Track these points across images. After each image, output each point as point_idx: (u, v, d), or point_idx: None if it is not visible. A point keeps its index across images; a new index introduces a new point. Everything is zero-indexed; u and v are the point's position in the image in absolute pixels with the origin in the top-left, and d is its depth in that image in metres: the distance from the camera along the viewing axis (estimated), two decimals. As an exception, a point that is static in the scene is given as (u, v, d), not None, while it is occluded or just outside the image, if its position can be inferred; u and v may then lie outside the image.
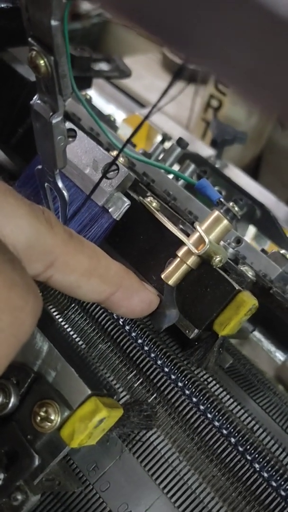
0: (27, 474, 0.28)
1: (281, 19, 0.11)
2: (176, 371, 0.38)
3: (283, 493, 0.34)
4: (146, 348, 0.39)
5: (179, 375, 0.38)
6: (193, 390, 0.37)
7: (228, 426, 0.36)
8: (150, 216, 0.39)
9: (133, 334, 0.39)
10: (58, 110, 0.30)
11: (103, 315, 0.41)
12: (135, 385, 0.38)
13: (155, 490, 0.35)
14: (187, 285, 0.36)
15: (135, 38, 1.82)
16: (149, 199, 0.39)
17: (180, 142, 0.51)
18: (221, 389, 0.39)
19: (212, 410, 0.37)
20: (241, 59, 0.14)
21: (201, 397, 0.37)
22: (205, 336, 0.36)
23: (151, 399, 0.38)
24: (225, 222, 0.35)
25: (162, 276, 0.36)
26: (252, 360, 0.48)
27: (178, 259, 0.36)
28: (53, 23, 0.25)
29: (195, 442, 0.36)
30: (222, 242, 0.37)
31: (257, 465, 0.35)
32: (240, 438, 0.36)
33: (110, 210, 0.38)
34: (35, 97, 0.31)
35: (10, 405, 0.29)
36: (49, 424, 0.28)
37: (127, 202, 0.38)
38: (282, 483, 0.34)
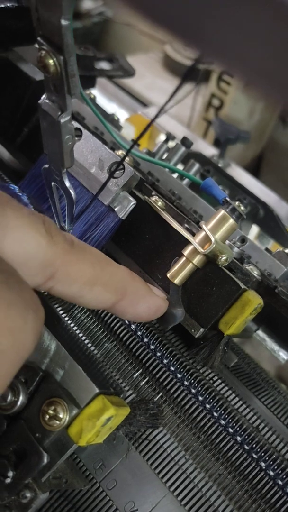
0: (36, 472, 0.28)
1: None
2: (182, 369, 0.38)
3: (289, 491, 0.34)
4: (152, 347, 0.39)
5: (185, 373, 0.38)
6: (199, 388, 0.38)
7: (234, 424, 0.36)
8: (155, 215, 0.39)
9: (139, 333, 0.40)
10: (67, 110, 0.30)
11: (109, 314, 0.41)
12: (141, 383, 0.38)
13: (161, 488, 0.35)
14: (193, 284, 0.36)
15: (136, 37, 1.82)
16: (154, 198, 0.40)
17: (185, 141, 0.52)
18: (226, 388, 0.39)
19: (218, 408, 0.37)
20: (255, 54, 0.14)
21: (207, 396, 0.37)
22: (210, 335, 0.37)
23: (157, 397, 0.38)
24: (231, 221, 0.35)
25: (168, 275, 0.36)
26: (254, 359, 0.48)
27: (184, 258, 0.36)
28: (63, 22, 0.25)
29: (201, 440, 0.36)
30: (227, 241, 0.37)
31: (263, 464, 0.35)
32: (246, 437, 0.36)
33: (116, 210, 0.38)
34: (43, 96, 0.31)
35: (19, 403, 0.29)
36: (57, 422, 0.29)
37: (132, 202, 0.38)
38: (288, 481, 0.34)
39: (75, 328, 0.40)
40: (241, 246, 0.44)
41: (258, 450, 0.35)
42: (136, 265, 0.39)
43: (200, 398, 0.37)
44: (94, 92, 0.58)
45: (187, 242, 0.36)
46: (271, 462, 0.35)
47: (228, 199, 0.40)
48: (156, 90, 1.52)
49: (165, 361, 0.38)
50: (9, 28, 0.47)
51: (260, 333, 0.50)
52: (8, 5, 0.45)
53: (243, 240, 0.45)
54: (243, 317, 0.35)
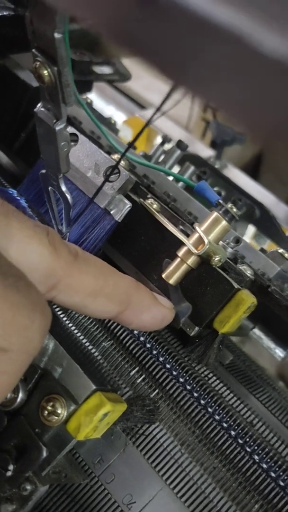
0: (36, 465, 0.29)
1: (267, 58, 0.12)
2: (177, 367, 0.39)
3: (281, 483, 0.35)
4: (148, 345, 0.40)
5: (180, 371, 0.39)
6: (194, 385, 0.39)
7: (228, 419, 0.37)
8: (151, 218, 0.40)
9: (135, 332, 0.41)
10: (62, 118, 0.31)
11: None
12: (138, 381, 0.39)
13: (158, 481, 0.36)
14: (188, 284, 0.37)
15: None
16: (149, 201, 0.41)
17: (180, 144, 0.53)
18: (221, 385, 0.40)
19: (213, 404, 0.38)
20: (233, 92, 0.15)
21: (202, 392, 0.38)
22: (205, 333, 0.38)
23: (153, 394, 0.39)
24: (224, 222, 0.36)
25: (163, 275, 0.37)
26: (254, 357, 0.49)
27: (179, 259, 0.37)
28: (57, 35, 0.26)
29: (196, 435, 0.37)
30: (221, 242, 0.38)
31: (256, 457, 0.36)
32: (240, 431, 0.37)
33: (112, 212, 0.39)
34: (39, 104, 0.32)
35: (18, 400, 0.30)
36: (56, 418, 0.30)
37: (128, 204, 0.39)
38: (281, 474, 0.35)
39: (73, 327, 0.41)
40: (235, 247, 0.45)
41: (252, 444, 0.36)
42: (132, 266, 0.40)
43: (195, 394, 0.38)
44: (92, 95, 0.59)
45: (181, 243, 0.37)
46: (264, 455, 0.36)
47: (221, 201, 0.41)
48: (154, 91, 1.53)
49: (161, 359, 0.40)
50: (5, 36, 0.48)
51: (257, 331, 0.50)
52: (4, 13, 0.46)
53: (238, 240, 0.46)
54: (237, 315, 0.36)
